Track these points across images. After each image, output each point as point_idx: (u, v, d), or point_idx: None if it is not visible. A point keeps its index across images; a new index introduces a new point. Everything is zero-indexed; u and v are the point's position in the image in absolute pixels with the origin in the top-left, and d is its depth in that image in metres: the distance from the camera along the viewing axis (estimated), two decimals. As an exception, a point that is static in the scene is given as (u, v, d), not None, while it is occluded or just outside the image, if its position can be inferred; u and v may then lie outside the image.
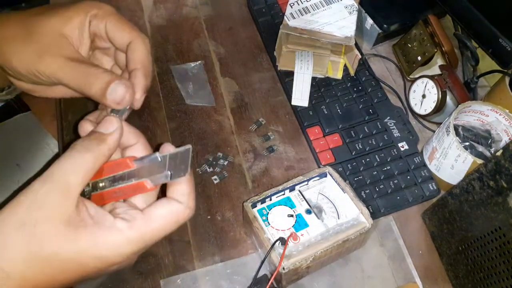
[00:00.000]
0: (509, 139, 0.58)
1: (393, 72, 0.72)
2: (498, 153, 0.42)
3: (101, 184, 0.36)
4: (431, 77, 0.65)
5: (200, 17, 0.76)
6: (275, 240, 0.47)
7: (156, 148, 0.39)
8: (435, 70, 0.70)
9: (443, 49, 0.67)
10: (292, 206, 0.52)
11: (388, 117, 0.65)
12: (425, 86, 0.65)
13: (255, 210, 0.51)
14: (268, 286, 0.48)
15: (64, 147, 0.63)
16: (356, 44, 0.65)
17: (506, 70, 0.62)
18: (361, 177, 0.60)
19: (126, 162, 0.36)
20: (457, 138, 0.54)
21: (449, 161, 0.56)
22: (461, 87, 0.65)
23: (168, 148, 0.37)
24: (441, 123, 0.59)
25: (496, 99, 0.63)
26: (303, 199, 0.52)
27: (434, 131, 0.63)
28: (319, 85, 0.67)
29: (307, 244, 0.48)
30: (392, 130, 0.64)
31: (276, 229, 0.49)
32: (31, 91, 0.46)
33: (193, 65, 0.70)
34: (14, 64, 0.40)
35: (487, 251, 0.46)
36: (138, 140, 0.40)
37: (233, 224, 0.57)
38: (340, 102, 0.65)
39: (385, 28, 0.71)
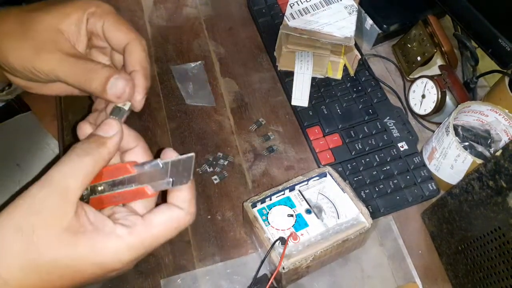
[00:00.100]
0: (509, 139, 0.58)
1: (392, 72, 0.73)
2: (498, 153, 0.42)
3: (99, 188, 0.36)
4: (431, 77, 0.65)
5: (200, 17, 0.76)
6: (275, 240, 0.47)
7: (157, 151, 0.39)
8: (434, 70, 0.70)
9: (442, 49, 0.67)
10: (292, 206, 0.52)
11: (388, 117, 0.65)
12: (425, 86, 0.65)
13: (255, 210, 0.51)
14: (268, 286, 0.48)
15: (65, 148, 0.63)
16: (356, 45, 0.65)
17: (505, 70, 0.62)
18: (360, 177, 0.60)
19: (126, 167, 0.36)
20: (457, 138, 0.55)
21: (449, 161, 0.56)
22: (460, 87, 0.65)
23: (170, 154, 0.36)
24: (440, 123, 0.59)
25: (495, 99, 0.63)
26: (303, 199, 0.52)
27: (433, 131, 0.63)
28: (319, 85, 0.67)
29: (307, 244, 0.48)
30: (392, 130, 0.64)
31: (276, 229, 0.50)
32: (27, 88, 0.45)
33: (193, 65, 0.70)
34: (10, 61, 0.40)
35: (486, 251, 0.46)
36: (137, 144, 0.39)
37: (233, 224, 0.57)
38: (340, 102, 0.65)
39: (384, 28, 0.71)
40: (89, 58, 0.42)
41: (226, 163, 0.61)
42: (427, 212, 0.58)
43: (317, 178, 0.53)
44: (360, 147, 0.62)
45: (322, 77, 0.68)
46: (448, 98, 0.65)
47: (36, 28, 0.40)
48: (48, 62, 0.39)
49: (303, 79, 0.65)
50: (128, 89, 0.39)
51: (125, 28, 0.42)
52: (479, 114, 0.60)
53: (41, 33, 0.40)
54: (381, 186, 0.59)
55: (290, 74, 0.67)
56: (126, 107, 0.40)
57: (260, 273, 0.50)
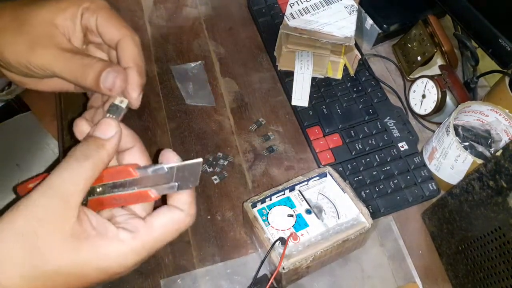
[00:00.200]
0: (509, 139, 0.58)
1: (393, 72, 0.73)
2: (498, 153, 0.42)
3: (98, 189, 0.35)
4: (431, 77, 0.65)
5: (200, 17, 0.76)
6: (275, 240, 0.47)
7: (156, 152, 0.38)
8: (435, 70, 0.70)
9: (443, 49, 0.67)
10: (292, 206, 0.52)
11: (388, 117, 0.65)
12: (425, 86, 0.65)
13: (255, 210, 0.51)
14: (268, 286, 0.48)
15: (65, 148, 0.62)
16: (356, 44, 0.65)
17: (506, 70, 0.62)
18: (361, 177, 0.60)
19: (128, 170, 0.35)
20: (457, 138, 0.54)
21: (449, 161, 0.56)
22: (461, 87, 0.65)
23: (169, 155, 0.36)
24: (441, 123, 0.59)
25: (496, 99, 0.63)
26: (303, 199, 0.52)
27: (434, 131, 0.63)
28: (319, 85, 0.67)
29: (307, 244, 0.48)
30: (392, 130, 0.64)
31: (276, 229, 0.49)
32: (22, 84, 0.44)
33: (193, 65, 0.70)
34: (5, 56, 0.39)
35: (487, 251, 0.46)
36: (134, 144, 0.39)
37: (233, 224, 0.57)
38: (340, 102, 0.65)
39: (385, 28, 0.71)
40: (84, 52, 0.41)
41: (226, 163, 0.61)
42: (427, 212, 0.57)
43: (317, 178, 0.53)
44: (360, 147, 0.62)
45: (322, 77, 0.68)
46: (448, 98, 0.65)
47: (31, 22, 0.39)
48: (43, 57, 0.38)
49: (303, 79, 0.65)
50: (118, 81, 0.38)
51: (118, 23, 0.41)
52: (480, 114, 0.60)
53: (36, 27, 0.39)
54: (381, 186, 0.59)
55: (290, 74, 0.66)
56: (123, 105, 0.39)
57: (260, 273, 0.50)
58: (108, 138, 0.35)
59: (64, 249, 0.31)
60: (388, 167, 0.60)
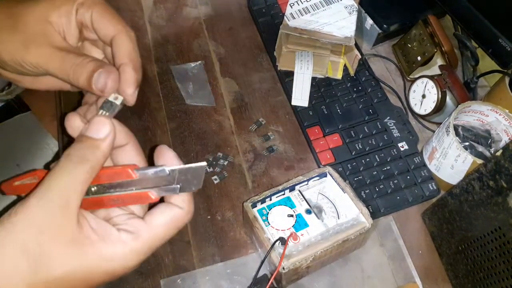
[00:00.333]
0: (509, 139, 0.58)
1: (393, 72, 0.73)
2: (498, 153, 0.42)
3: (93, 189, 0.34)
4: (431, 77, 0.65)
5: (200, 17, 0.76)
6: (275, 240, 0.47)
7: (150, 148, 0.38)
8: (435, 70, 0.70)
9: (443, 49, 0.67)
10: (292, 206, 0.52)
11: (388, 117, 0.65)
12: (425, 86, 0.65)
13: (255, 210, 0.51)
14: (268, 286, 0.48)
15: (65, 149, 0.62)
16: (356, 44, 0.65)
17: (506, 70, 0.62)
18: (361, 177, 0.60)
19: (127, 172, 0.34)
20: (457, 138, 0.54)
21: (449, 161, 0.56)
22: (461, 87, 0.65)
23: (164, 151, 0.35)
24: (441, 123, 0.59)
25: (496, 99, 0.63)
26: (303, 199, 0.52)
27: (434, 131, 0.63)
28: (319, 85, 0.67)
29: (307, 244, 0.48)
30: (392, 130, 0.64)
31: (276, 229, 0.49)
32: (17, 82, 0.44)
33: (193, 65, 0.70)
34: (0, 54, 0.39)
35: (487, 251, 0.46)
36: (128, 141, 0.38)
37: (233, 224, 0.57)
38: (340, 102, 0.65)
39: (385, 28, 0.71)
40: (78, 51, 0.40)
41: (226, 163, 0.61)
42: (427, 212, 0.57)
43: (317, 178, 0.53)
44: (360, 147, 0.62)
45: (322, 77, 0.68)
46: (448, 98, 0.65)
47: (25, 20, 0.39)
48: (37, 56, 0.38)
49: (303, 79, 0.65)
50: (110, 82, 0.37)
51: (113, 19, 0.40)
52: (480, 114, 0.60)
53: (31, 25, 0.39)
54: (381, 186, 0.59)
55: (290, 74, 0.66)
56: (118, 102, 0.37)
57: (260, 273, 0.50)
58: (102, 138, 0.34)
59: (67, 256, 0.31)
60: (388, 167, 0.60)
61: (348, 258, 0.55)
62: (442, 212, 0.53)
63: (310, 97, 0.65)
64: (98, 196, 0.35)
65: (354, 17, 0.65)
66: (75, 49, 0.41)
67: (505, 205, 0.42)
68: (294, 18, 0.64)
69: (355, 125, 0.64)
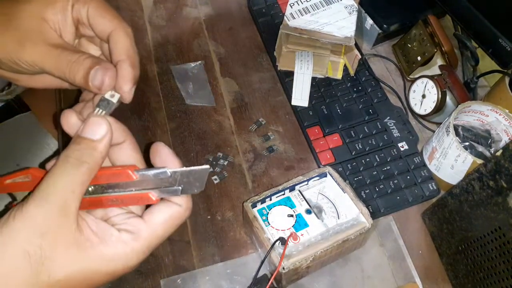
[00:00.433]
0: (509, 139, 0.58)
1: (393, 72, 0.73)
2: (498, 153, 0.42)
3: (90, 189, 0.34)
4: (431, 77, 0.65)
5: (200, 17, 0.76)
6: (275, 240, 0.47)
7: (146, 145, 0.37)
8: (435, 70, 0.70)
9: (443, 49, 0.67)
10: (292, 206, 0.52)
11: (388, 117, 0.65)
12: (425, 86, 0.65)
13: (255, 210, 0.51)
14: (268, 286, 0.48)
15: (64, 146, 0.62)
16: (356, 44, 0.65)
17: (506, 70, 0.62)
18: (361, 177, 0.60)
19: (127, 173, 0.34)
20: (457, 138, 0.54)
21: (449, 161, 0.56)
22: (461, 87, 0.65)
23: (160, 148, 0.35)
24: (441, 123, 0.59)
25: (496, 99, 0.63)
26: (303, 199, 0.52)
27: (434, 131, 0.63)
28: (319, 85, 0.67)
29: (307, 244, 0.48)
30: (392, 130, 0.64)
31: (276, 229, 0.49)
32: (14, 80, 0.43)
33: (193, 65, 0.70)
34: None
35: (487, 251, 0.46)
36: (125, 139, 0.37)
37: (233, 224, 0.57)
38: (340, 102, 0.65)
39: (385, 28, 0.71)
40: (74, 48, 0.40)
41: (226, 163, 0.61)
42: (427, 212, 0.57)
43: (317, 178, 0.53)
44: (360, 147, 0.62)
45: (322, 77, 0.68)
46: (448, 98, 0.65)
47: (20, 17, 0.38)
48: (33, 54, 0.37)
49: (303, 79, 0.65)
50: (107, 79, 0.37)
51: (109, 14, 0.39)
52: (480, 114, 0.60)
53: (25, 22, 0.38)
54: (381, 186, 0.59)
55: (290, 74, 0.66)
56: (114, 100, 0.37)
57: (260, 273, 0.50)
58: (99, 139, 0.34)
59: (69, 259, 0.31)
60: (388, 167, 0.60)
61: (348, 258, 0.55)
62: (442, 212, 0.53)
63: (310, 97, 0.65)
64: (96, 196, 0.34)
65: (354, 17, 0.65)
66: (72, 46, 0.40)
67: (505, 205, 0.42)
68: (294, 18, 0.64)
69: (355, 125, 0.64)
